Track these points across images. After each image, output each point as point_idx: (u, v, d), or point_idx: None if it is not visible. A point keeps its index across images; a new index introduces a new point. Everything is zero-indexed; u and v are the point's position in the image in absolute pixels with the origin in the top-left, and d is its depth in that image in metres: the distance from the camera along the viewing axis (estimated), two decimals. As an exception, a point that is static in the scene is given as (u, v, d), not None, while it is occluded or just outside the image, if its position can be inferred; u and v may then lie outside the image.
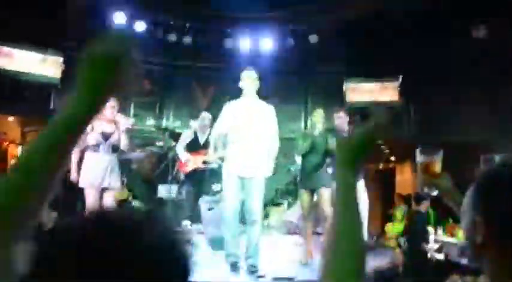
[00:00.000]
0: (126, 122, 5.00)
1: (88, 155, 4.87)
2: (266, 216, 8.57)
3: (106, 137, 4.86)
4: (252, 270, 4.04)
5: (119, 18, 7.93)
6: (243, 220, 4.36)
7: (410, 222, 6.39)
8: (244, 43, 9.11)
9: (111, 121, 4.91)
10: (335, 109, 5.78)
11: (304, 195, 5.13)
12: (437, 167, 1.53)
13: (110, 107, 4.85)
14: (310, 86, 9.76)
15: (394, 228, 7.56)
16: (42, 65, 7.54)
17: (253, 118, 4.14)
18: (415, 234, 6.10)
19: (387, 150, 9.92)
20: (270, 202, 8.52)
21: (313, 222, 5.40)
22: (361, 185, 5.11)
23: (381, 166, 11.34)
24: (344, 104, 9.10)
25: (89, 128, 4.80)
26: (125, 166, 8.83)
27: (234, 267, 4.09)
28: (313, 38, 8.71)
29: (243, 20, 8.85)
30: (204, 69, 9.63)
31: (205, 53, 9.15)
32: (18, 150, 9.04)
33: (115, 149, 4.93)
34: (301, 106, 9.72)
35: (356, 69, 8.91)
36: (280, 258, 5.32)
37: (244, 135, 4.07)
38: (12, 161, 9.25)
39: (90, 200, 4.78)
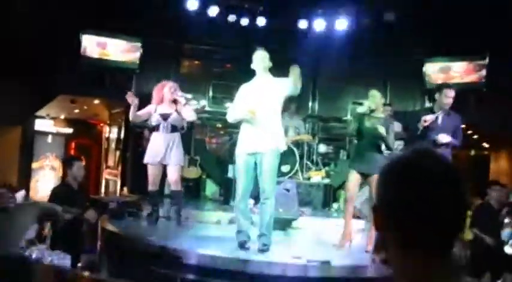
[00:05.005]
0: (183, 98, 5.28)
1: (152, 134, 5.29)
2: (337, 199, 8.44)
3: (165, 117, 5.16)
4: (263, 249, 3.99)
5: (192, 3, 8.16)
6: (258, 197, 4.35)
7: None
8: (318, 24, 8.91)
9: (171, 102, 5.23)
10: (444, 85, 5.36)
11: (351, 176, 4.91)
12: None
13: (168, 88, 5.19)
14: (388, 68, 9.21)
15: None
16: (123, 51, 8.07)
17: (264, 97, 4.11)
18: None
19: (475, 136, 9.15)
20: (342, 185, 8.35)
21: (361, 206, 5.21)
22: None
23: (472, 152, 10.52)
24: (425, 86, 8.55)
25: (152, 110, 5.17)
26: (200, 146, 9.32)
27: (243, 246, 4.08)
28: (389, 16, 8.26)
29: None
30: (281, 52, 9.50)
31: (278, 35, 9.02)
32: (107, 130, 9.87)
33: (174, 128, 5.23)
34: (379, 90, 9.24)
35: (436, 48, 8.27)
36: (321, 242, 5.24)
37: (256, 115, 4.06)
38: (104, 141, 10.16)
39: (151, 174, 5.13)
